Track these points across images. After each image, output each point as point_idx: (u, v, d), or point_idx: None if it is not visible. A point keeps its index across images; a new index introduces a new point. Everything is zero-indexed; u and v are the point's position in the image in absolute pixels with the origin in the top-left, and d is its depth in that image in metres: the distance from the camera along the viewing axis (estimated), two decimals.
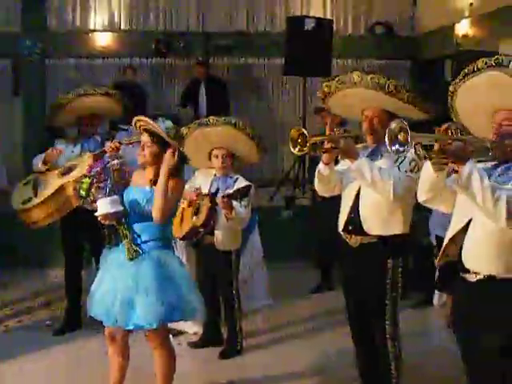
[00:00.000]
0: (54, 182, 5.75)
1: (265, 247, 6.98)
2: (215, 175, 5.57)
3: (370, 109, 4.28)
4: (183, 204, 5.39)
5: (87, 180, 4.19)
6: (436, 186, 3.29)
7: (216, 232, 5.43)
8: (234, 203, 5.24)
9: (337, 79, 4.27)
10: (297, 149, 4.08)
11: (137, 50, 11.84)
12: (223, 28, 11.77)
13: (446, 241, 3.38)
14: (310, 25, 9.30)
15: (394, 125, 3.08)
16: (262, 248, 6.93)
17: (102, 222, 4.19)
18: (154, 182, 4.21)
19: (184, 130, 5.36)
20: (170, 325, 5.90)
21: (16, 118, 11.81)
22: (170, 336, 5.88)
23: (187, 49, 11.64)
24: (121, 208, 4.16)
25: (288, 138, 4.15)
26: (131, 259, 4.18)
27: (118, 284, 4.18)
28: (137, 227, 4.25)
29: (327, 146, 4.09)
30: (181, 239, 5.50)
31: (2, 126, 11.59)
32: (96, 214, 4.17)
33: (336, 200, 4.54)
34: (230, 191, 5.22)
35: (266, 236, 7.30)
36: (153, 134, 4.20)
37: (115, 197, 4.17)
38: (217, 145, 5.45)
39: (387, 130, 3.12)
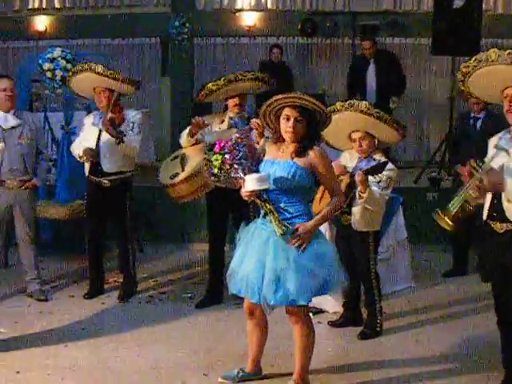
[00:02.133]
0: (200, 158, 5.83)
1: (409, 229, 6.86)
2: (359, 157, 5.49)
3: (511, 87, 4.07)
4: None
5: (218, 157, 4.15)
6: None
7: (353, 211, 5.36)
8: (372, 183, 5.16)
9: (474, 58, 4.10)
10: (450, 227, 4.05)
11: (283, 29, 11.87)
12: (370, 7, 11.54)
13: None
14: (458, 3, 8.95)
15: None
16: (405, 230, 6.80)
17: (247, 198, 4.20)
18: (296, 154, 4.21)
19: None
20: (310, 303, 6.00)
21: (164, 95, 12.15)
22: (311, 314, 5.95)
23: (334, 29, 11.55)
24: (268, 185, 4.14)
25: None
26: (282, 234, 4.15)
27: (265, 260, 4.18)
28: (283, 202, 4.23)
29: (473, 200, 3.98)
30: None
31: (150, 104, 12.01)
32: (243, 190, 4.18)
33: None
34: (367, 167, 5.11)
35: (410, 218, 7.17)
36: (304, 109, 4.19)
37: (263, 174, 4.17)
38: (353, 128, 5.37)
39: None
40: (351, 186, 5.26)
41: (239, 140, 4.21)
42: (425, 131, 11.72)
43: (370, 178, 5.19)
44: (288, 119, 4.22)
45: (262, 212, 4.29)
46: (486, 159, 4.19)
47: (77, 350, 5.32)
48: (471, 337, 5.50)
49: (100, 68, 6.08)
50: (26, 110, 7.78)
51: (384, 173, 5.22)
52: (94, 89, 6.24)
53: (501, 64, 3.96)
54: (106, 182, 6.27)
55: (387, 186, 5.32)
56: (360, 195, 5.17)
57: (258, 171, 4.21)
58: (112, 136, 5.97)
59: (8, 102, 6.12)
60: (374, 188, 5.22)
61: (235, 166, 4.15)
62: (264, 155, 4.34)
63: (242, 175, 4.14)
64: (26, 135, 6.22)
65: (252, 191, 4.12)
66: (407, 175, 9.50)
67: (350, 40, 11.40)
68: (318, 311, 6.08)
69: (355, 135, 5.38)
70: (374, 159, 5.33)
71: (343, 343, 5.49)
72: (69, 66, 7.47)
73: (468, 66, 4.14)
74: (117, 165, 6.27)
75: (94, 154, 6.17)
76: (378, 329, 5.56)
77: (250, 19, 11.87)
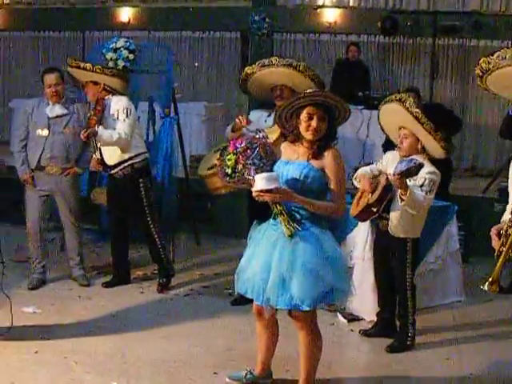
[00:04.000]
0: None
1: (472, 240, 6.52)
2: (401, 157, 5.26)
3: None
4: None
5: (232, 157, 4.04)
6: None
7: (391, 216, 5.13)
8: (414, 187, 4.93)
9: (497, 54, 3.69)
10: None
11: (364, 27, 11.58)
12: (454, 7, 11.09)
13: None
14: None
15: None
16: (458, 241, 6.49)
17: (257, 198, 4.03)
18: (312, 156, 4.08)
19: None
20: (347, 309, 5.84)
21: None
22: (345, 321, 5.78)
23: (415, 28, 11.18)
24: (277, 185, 3.98)
25: None
26: (290, 236, 4.02)
27: (271, 262, 4.05)
28: (294, 204, 4.08)
29: None
30: (355, 218, 5.31)
31: (229, 97, 12.01)
32: (252, 189, 4.04)
33: None
34: (403, 169, 4.86)
35: (475, 229, 6.90)
36: (329, 109, 4.09)
37: (274, 173, 4.02)
38: (401, 123, 5.17)
39: None
40: (388, 188, 5.05)
41: (254, 139, 4.09)
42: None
43: (413, 181, 4.97)
44: (311, 118, 4.09)
45: (273, 213, 4.15)
46: None
47: (99, 336, 5.35)
48: (507, 361, 5.14)
49: (77, 63, 6.31)
50: None
51: (426, 176, 5.00)
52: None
53: None
54: (118, 172, 6.35)
55: (430, 189, 5.04)
56: (401, 198, 4.94)
57: (271, 171, 4.08)
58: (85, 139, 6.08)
59: (54, 97, 6.32)
60: (418, 192, 4.98)
61: (248, 166, 4.03)
62: (280, 156, 4.22)
63: (253, 175, 4.01)
64: (71, 125, 6.36)
65: (261, 191, 3.98)
66: (480, 184, 9.12)
67: (432, 40, 10.97)
68: (354, 318, 5.88)
69: (401, 132, 5.20)
70: (416, 160, 5.07)
71: (370, 354, 5.31)
72: (131, 56, 7.53)
73: (489, 63, 3.73)
74: (116, 156, 6.29)
75: (97, 163, 6.36)
76: (409, 342, 5.29)
77: (331, 16, 11.66)
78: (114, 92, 6.32)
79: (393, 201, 5.07)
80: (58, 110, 6.32)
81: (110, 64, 7.56)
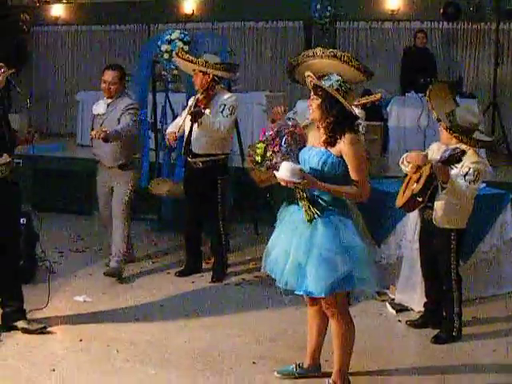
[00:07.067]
0: None
1: None
2: (446, 145, 5.17)
3: None
4: (410, 169, 5.12)
5: (262, 145, 4.06)
6: None
7: (435, 206, 5.06)
8: (459, 177, 4.85)
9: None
10: None
11: (427, 13, 11.36)
12: None
13: None
14: None
15: None
16: None
17: (282, 183, 4.06)
18: (327, 143, 4.05)
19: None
20: (396, 300, 5.77)
21: None
22: (394, 311, 5.72)
23: (478, 13, 10.91)
24: (299, 179, 3.96)
25: None
26: (309, 221, 4.03)
27: (292, 245, 4.08)
28: (317, 190, 4.08)
29: None
30: (401, 208, 5.22)
31: (291, 88, 11.94)
32: (276, 174, 4.04)
33: None
34: (445, 156, 4.76)
35: None
36: (316, 88, 4.09)
37: (298, 166, 4.01)
38: None
39: None
40: (432, 177, 4.96)
41: (282, 128, 4.11)
42: None
43: (457, 170, 4.90)
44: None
45: (297, 198, 4.16)
46: None
47: (144, 325, 5.44)
48: None
49: (185, 54, 6.42)
50: (148, 89, 8.09)
51: (471, 165, 4.93)
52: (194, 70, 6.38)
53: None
54: (197, 162, 6.40)
55: (475, 179, 4.95)
56: (442, 186, 4.87)
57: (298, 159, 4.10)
58: (190, 115, 6.07)
59: (107, 92, 6.44)
60: (461, 181, 4.91)
61: (276, 153, 4.05)
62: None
63: (279, 161, 4.03)
64: (108, 124, 6.30)
65: (280, 178, 4.01)
66: None
67: (495, 25, 10.67)
68: (404, 309, 5.81)
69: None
70: (458, 148, 4.97)
71: (416, 345, 5.27)
72: (186, 47, 7.63)
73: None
74: (205, 147, 6.35)
75: (174, 137, 6.32)
76: (455, 333, 5.20)
77: (394, 3, 11.48)
78: (220, 81, 6.42)
79: (437, 190, 5.00)
80: (99, 108, 6.48)
81: (165, 56, 7.74)
